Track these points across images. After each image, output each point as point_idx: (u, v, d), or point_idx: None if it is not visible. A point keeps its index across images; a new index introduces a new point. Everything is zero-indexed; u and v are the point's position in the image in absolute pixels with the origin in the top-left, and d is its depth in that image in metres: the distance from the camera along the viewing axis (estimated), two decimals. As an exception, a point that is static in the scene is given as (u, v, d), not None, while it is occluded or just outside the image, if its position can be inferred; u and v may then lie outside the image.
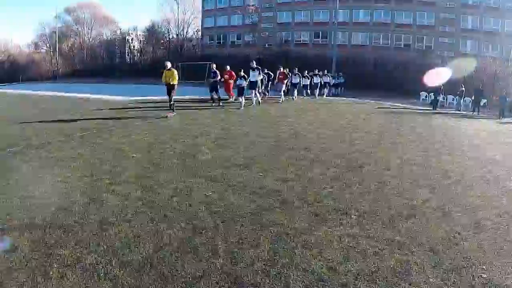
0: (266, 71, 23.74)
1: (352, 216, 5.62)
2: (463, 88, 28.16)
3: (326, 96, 29.77)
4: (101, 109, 17.59)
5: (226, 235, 4.92)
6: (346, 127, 13.95)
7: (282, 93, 23.01)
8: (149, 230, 5.02)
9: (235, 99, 20.97)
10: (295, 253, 4.53)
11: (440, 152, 10.37)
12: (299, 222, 5.37)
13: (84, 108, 19.01)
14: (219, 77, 19.72)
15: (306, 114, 17.69)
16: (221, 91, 20.66)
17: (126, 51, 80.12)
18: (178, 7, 73.30)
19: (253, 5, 60.43)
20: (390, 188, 7.00)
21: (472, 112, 25.57)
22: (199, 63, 53.09)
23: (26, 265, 4.19)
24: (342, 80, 34.74)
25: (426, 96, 32.94)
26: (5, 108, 18.88)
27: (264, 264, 4.28)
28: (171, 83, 15.46)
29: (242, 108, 18.18)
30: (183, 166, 8.12)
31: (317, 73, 27.83)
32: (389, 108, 23.16)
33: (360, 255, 4.55)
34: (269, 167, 8.07)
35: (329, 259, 4.42)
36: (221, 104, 19.60)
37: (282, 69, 23.79)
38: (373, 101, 27.66)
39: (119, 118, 14.15)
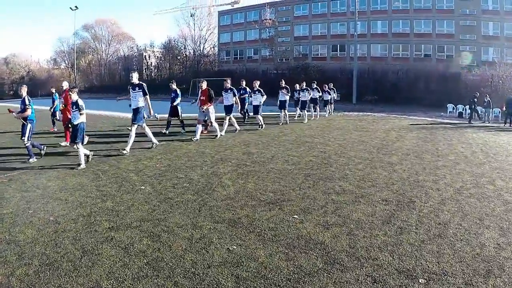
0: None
1: (420, 280, 4.19)
2: (489, 99, 26.83)
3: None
4: (113, 129, 16.48)
5: (259, 320, 3.53)
6: (380, 147, 12.50)
7: (214, 125, 14.71)
8: (152, 309, 3.67)
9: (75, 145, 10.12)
10: None
11: (492, 177, 8.83)
12: (355, 294, 3.96)
13: (96, 127, 17.96)
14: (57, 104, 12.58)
15: (333, 133, 16.27)
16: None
17: (144, 67, 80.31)
18: (195, 24, 73.28)
19: (269, 19, 59.62)
20: (453, 232, 5.51)
21: (504, 124, 23.82)
22: (216, 79, 52.41)
23: None
24: (334, 95, 27.52)
25: (453, 108, 31.36)
26: (14, 124, 17.90)
27: None
28: None
29: (83, 166, 9.68)
30: (199, 204, 6.75)
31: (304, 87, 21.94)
32: (418, 123, 21.51)
33: None
34: (305, 206, 6.61)
35: None
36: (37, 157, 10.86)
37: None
38: (398, 115, 26.17)
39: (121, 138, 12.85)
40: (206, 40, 74.58)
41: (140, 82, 11.86)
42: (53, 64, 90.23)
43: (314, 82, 22.85)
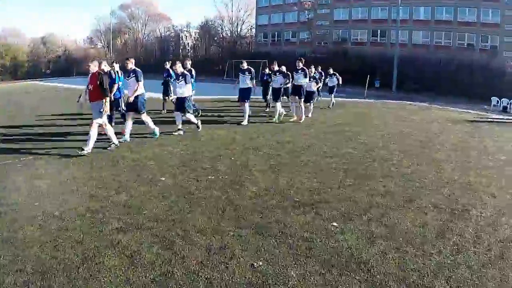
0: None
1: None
2: None
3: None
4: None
5: None
6: (424, 141, 11.39)
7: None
8: None
9: None
10: None
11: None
12: None
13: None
14: None
15: (373, 121, 15.17)
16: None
17: (180, 48, 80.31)
18: (232, 4, 72.49)
19: (309, 1, 58.05)
20: (519, 250, 4.52)
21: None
22: (252, 60, 51.74)
23: None
24: (335, 81, 21.31)
25: (497, 102, 29.54)
26: (41, 104, 17.57)
27: None
28: None
29: None
30: (223, 202, 5.89)
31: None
32: (461, 116, 20.01)
33: None
34: (345, 210, 5.66)
35: None
36: None
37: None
38: (440, 106, 24.69)
39: (158, 123, 12.06)
40: (243, 21, 73.62)
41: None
42: (90, 43, 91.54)
43: (301, 60, 14.59)
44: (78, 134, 11.13)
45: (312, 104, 15.98)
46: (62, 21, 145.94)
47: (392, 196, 6.33)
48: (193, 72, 13.83)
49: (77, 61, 79.49)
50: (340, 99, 23.90)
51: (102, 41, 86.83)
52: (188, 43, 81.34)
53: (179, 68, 11.61)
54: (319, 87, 18.04)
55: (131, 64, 10.39)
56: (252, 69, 14.15)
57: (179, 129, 11.53)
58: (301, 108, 14.58)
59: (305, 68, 14.31)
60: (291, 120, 14.54)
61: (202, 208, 5.58)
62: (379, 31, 54.97)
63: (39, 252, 4.26)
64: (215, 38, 74.76)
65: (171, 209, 5.52)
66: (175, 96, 11.77)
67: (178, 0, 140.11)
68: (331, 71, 21.27)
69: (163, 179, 6.99)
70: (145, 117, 10.59)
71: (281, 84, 14.45)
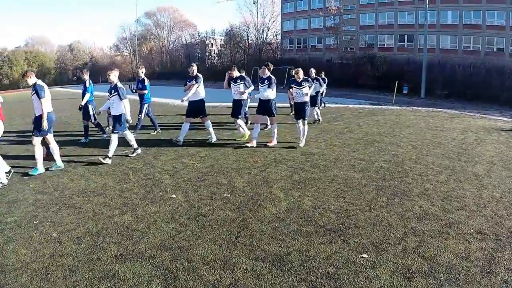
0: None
1: None
2: None
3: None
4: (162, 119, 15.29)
5: None
6: (460, 153, 10.50)
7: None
8: None
9: None
10: None
11: None
12: None
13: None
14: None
15: (404, 131, 14.23)
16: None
17: (206, 54, 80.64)
18: (258, 11, 72.25)
19: (334, 7, 57.27)
20: None
21: None
22: (278, 67, 51.25)
23: None
24: (318, 88, 15.55)
25: (530, 108, 28.24)
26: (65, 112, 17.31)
27: None
28: None
29: None
30: (238, 226, 5.23)
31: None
32: (496, 124, 18.86)
33: None
34: (376, 237, 4.91)
35: None
36: None
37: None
38: (472, 114, 23.52)
39: (177, 129, 11.48)
40: (269, 28, 73.06)
41: None
42: (116, 50, 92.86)
43: (268, 66, 10.82)
44: (92, 147, 10.70)
45: (307, 120, 11.16)
46: (89, 29, 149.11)
47: (429, 219, 5.54)
48: (147, 82, 12.76)
49: (103, 68, 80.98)
50: (367, 106, 23.10)
51: (128, 48, 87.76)
52: (214, 50, 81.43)
53: (113, 77, 9.10)
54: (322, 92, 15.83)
55: (31, 78, 7.92)
56: (200, 76, 10.88)
57: (108, 157, 8.85)
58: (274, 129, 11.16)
59: (272, 76, 10.67)
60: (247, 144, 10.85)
61: (213, 234, 4.95)
62: (406, 36, 53.70)
63: (28, 282, 3.84)
64: (241, 45, 74.50)
65: (178, 234, 4.92)
66: (97, 113, 9.57)
67: (203, 7, 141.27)
68: (313, 74, 15.74)
69: (174, 196, 6.43)
70: (51, 138, 8.28)
71: (241, 95, 11.47)
